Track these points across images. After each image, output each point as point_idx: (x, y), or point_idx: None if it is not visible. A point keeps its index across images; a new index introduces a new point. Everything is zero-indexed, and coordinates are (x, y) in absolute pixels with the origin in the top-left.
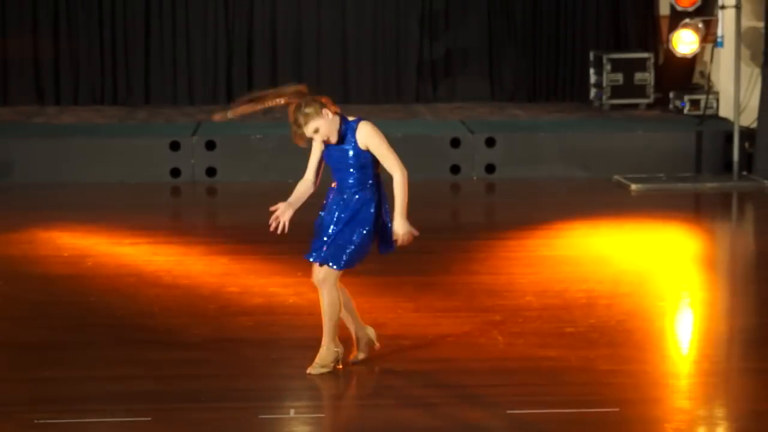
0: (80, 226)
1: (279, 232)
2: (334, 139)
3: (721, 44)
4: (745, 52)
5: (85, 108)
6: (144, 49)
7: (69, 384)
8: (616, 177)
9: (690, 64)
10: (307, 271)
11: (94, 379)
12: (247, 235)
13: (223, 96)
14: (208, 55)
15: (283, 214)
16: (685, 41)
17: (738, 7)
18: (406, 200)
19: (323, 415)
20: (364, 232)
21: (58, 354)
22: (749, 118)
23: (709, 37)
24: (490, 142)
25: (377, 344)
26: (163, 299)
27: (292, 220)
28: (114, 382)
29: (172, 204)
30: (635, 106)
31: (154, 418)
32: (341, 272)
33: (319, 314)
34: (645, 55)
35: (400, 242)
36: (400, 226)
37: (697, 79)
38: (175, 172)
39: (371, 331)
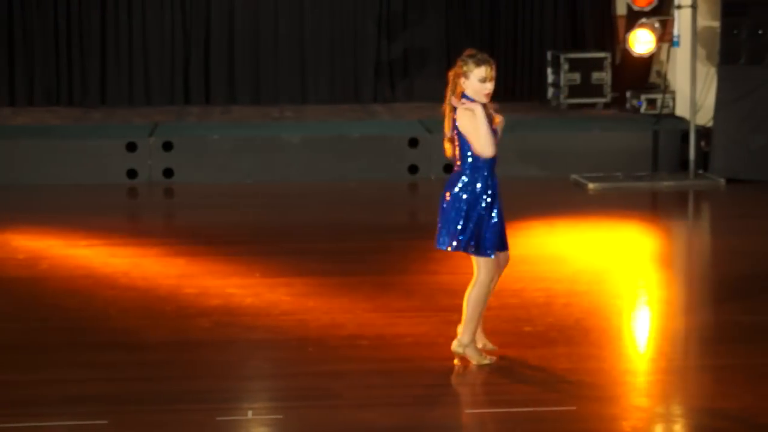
0: (35, 228)
1: None
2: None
3: (677, 44)
4: (701, 52)
5: (40, 109)
6: (100, 50)
7: (24, 387)
8: (573, 176)
9: (647, 63)
10: (264, 272)
11: (49, 382)
12: (205, 236)
13: (180, 97)
14: (164, 55)
15: None
16: (641, 41)
17: (694, 6)
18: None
19: (281, 417)
20: None
21: (13, 357)
22: (705, 117)
23: (665, 36)
24: None
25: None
26: (120, 301)
27: (260, 221)
28: (70, 385)
29: (128, 205)
30: (592, 105)
31: (110, 420)
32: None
33: (277, 315)
34: (602, 54)
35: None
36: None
37: (653, 78)
38: (132, 173)
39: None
